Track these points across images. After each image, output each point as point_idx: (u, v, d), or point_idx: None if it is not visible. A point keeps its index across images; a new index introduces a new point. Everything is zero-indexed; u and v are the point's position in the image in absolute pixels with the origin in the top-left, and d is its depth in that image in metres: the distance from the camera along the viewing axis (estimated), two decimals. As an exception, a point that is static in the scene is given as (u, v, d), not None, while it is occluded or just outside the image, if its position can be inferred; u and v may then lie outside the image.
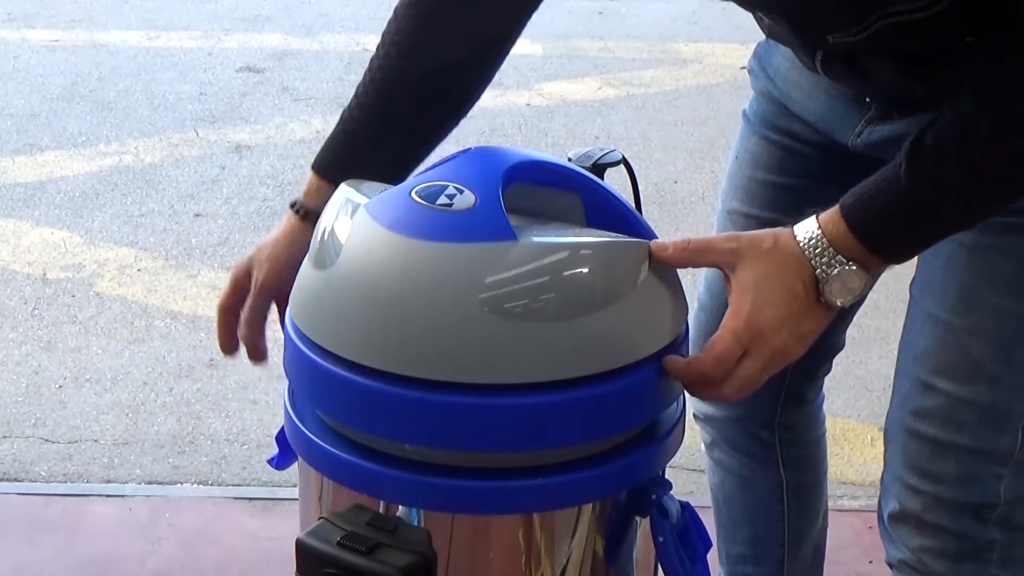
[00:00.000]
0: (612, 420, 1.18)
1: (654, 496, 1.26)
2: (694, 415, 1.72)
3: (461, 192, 1.16)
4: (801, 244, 1.16)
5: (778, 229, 1.18)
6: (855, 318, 1.60)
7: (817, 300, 1.16)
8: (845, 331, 1.66)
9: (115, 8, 6.01)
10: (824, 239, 1.15)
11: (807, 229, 1.16)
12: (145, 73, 5.09)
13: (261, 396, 2.84)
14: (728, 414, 1.68)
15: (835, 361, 1.74)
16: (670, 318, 1.21)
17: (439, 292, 1.11)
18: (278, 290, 1.37)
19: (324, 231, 1.20)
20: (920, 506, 1.37)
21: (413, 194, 1.16)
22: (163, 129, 4.51)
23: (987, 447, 1.33)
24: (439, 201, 1.15)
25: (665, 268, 1.20)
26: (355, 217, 1.17)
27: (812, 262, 1.15)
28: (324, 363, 1.17)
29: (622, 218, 1.25)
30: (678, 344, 1.23)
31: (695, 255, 1.18)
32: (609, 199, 1.24)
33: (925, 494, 1.36)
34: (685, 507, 1.29)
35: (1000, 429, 1.33)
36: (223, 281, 1.44)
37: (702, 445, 1.80)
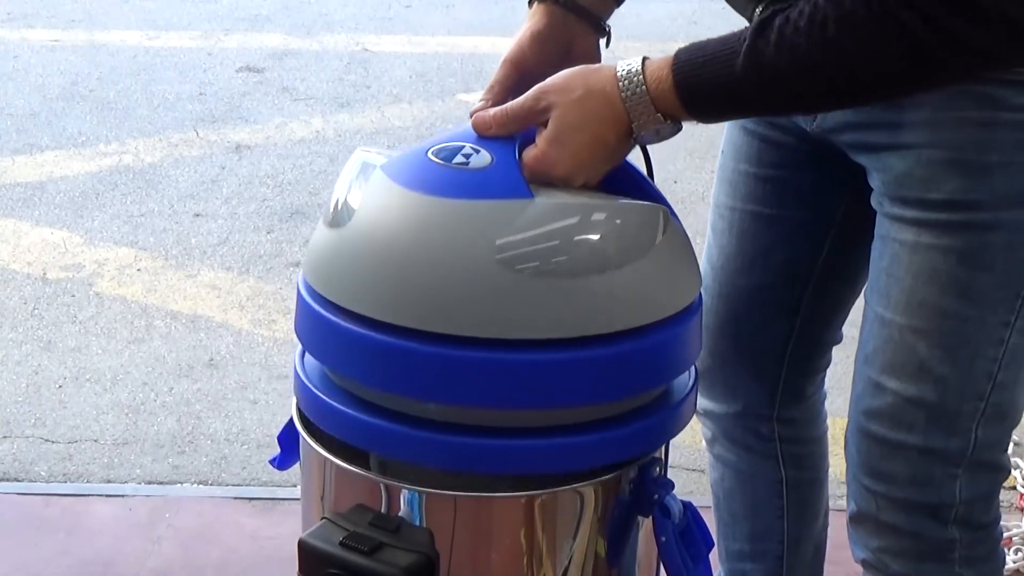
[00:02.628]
0: (624, 381, 1.18)
1: (656, 496, 1.27)
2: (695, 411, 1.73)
3: (477, 152, 1.17)
4: (623, 95, 1.17)
5: (589, 72, 1.20)
6: (855, 319, 1.60)
7: (624, 142, 1.19)
8: (841, 327, 1.66)
9: (115, 8, 6.01)
10: (647, 96, 1.17)
11: (630, 80, 1.17)
12: (145, 73, 5.09)
13: (261, 396, 2.84)
14: (727, 409, 1.69)
15: (835, 361, 1.74)
16: (684, 283, 1.22)
17: (454, 247, 1.12)
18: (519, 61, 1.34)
19: (339, 194, 1.21)
20: (875, 506, 1.38)
21: (429, 154, 1.18)
22: (163, 129, 4.51)
23: (938, 447, 1.33)
24: (455, 160, 1.17)
25: (679, 235, 1.21)
26: (371, 177, 1.18)
27: (630, 114, 1.17)
28: (339, 320, 1.16)
29: (635, 185, 1.26)
30: (692, 311, 1.23)
31: (514, 122, 1.21)
32: (623, 165, 1.26)
33: (877, 494, 1.37)
34: (687, 507, 1.30)
35: (950, 429, 1.33)
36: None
37: (703, 444, 1.80)
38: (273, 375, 2.90)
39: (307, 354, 1.28)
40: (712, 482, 1.79)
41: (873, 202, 1.36)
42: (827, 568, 1.86)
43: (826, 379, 1.78)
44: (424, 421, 1.17)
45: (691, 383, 1.29)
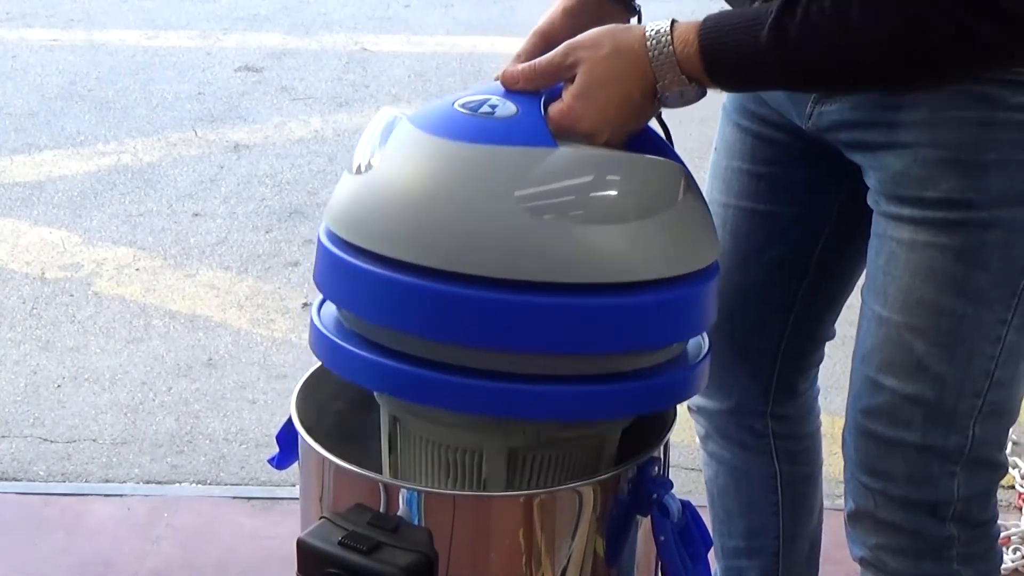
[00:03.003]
0: (641, 333, 1.19)
1: (655, 495, 1.27)
2: (688, 408, 1.73)
3: (503, 104, 1.20)
4: (650, 54, 1.19)
5: (618, 31, 1.23)
6: (850, 318, 1.61)
7: (649, 102, 1.21)
8: (834, 323, 1.66)
9: (113, 7, 6.00)
10: (673, 57, 1.19)
11: (658, 40, 1.20)
12: (143, 72, 5.09)
13: (260, 396, 2.83)
14: (721, 405, 1.69)
15: (833, 361, 1.74)
16: (704, 243, 1.24)
17: (477, 190, 1.14)
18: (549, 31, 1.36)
19: (364, 143, 1.23)
20: (873, 504, 1.38)
21: (455, 105, 1.20)
22: (161, 128, 4.51)
23: (936, 444, 1.34)
24: (481, 110, 1.19)
25: (700, 198, 1.25)
26: (397, 126, 1.21)
27: (656, 73, 1.19)
28: (360, 263, 1.18)
29: (657, 150, 1.28)
30: (711, 273, 1.25)
31: (542, 77, 1.23)
32: (646, 131, 1.28)
33: (876, 492, 1.38)
34: (686, 506, 1.30)
35: (949, 427, 1.33)
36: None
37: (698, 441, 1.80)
38: (272, 374, 2.90)
39: (322, 309, 1.28)
40: (706, 479, 1.79)
41: (869, 201, 1.36)
42: (825, 567, 1.86)
43: (823, 379, 1.78)
44: (440, 364, 1.17)
45: (705, 349, 1.31)
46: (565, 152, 1.16)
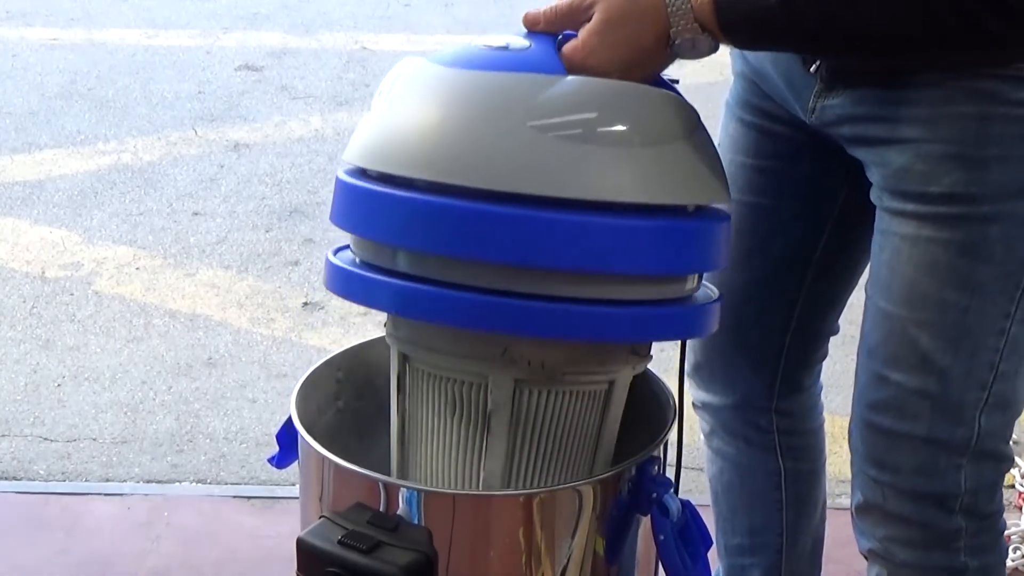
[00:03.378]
0: (638, 255, 1.21)
1: (655, 494, 1.27)
2: (692, 404, 1.73)
3: (519, 41, 1.26)
4: (667, 1, 1.22)
5: None
6: (851, 318, 1.61)
7: (661, 48, 1.24)
8: (838, 318, 1.67)
9: (113, 6, 6.00)
10: (688, 4, 1.22)
11: None
12: (143, 71, 5.09)
13: (260, 395, 2.84)
14: (725, 401, 1.69)
15: (833, 360, 1.75)
16: (710, 183, 1.26)
17: (487, 109, 1.19)
18: None
19: (384, 85, 1.28)
20: (881, 497, 1.39)
21: (471, 43, 1.26)
22: (161, 127, 4.51)
23: (943, 437, 1.35)
24: (496, 45, 1.25)
25: (711, 144, 1.28)
26: (414, 64, 1.26)
27: (670, 19, 1.22)
28: (374, 186, 1.23)
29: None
30: (723, 217, 1.29)
31: (562, 18, 1.27)
32: (659, 82, 1.31)
33: (884, 485, 1.39)
34: (686, 505, 1.30)
35: (955, 420, 1.34)
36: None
37: (702, 442, 1.80)
38: (272, 373, 2.90)
39: (337, 256, 1.31)
40: (710, 476, 1.79)
41: (872, 197, 1.36)
42: (828, 566, 1.86)
43: (825, 378, 1.78)
44: (449, 284, 1.20)
45: (716, 296, 1.34)
46: (574, 79, 1.21)
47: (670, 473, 1.37)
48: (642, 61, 1.25)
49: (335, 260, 1.30)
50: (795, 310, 1.60)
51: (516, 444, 1.29)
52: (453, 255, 1.19)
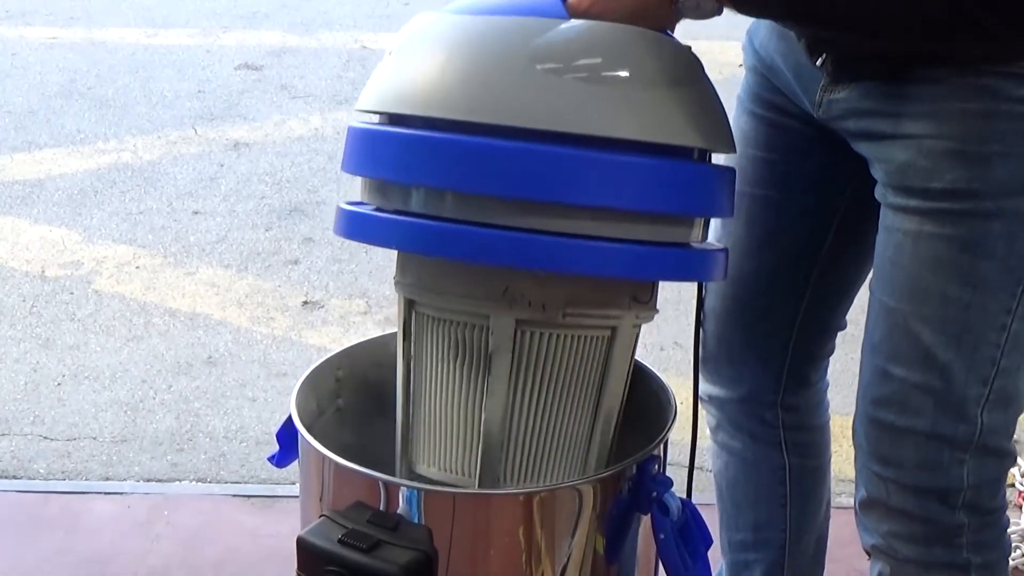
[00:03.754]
0: (651, 192, 1.23)
1: (655, 493, 1.27)
2: (700, 397, 1.73)
3: None
4: None
5: None
6: (854, 317, 1.61)
7: (665, 6, 1.27)
8: (846, 313, 1.67)
9: (113, 5, 6.00)
10: None
11: None
12: (143, 70, 5.09)
13: (260, 393, 2.83)
14: (732, 394, 1.69)
15: (834, 359, 1.74)
16: (714, 128, 1.28)
17: (491, 47, 1.22)
18: None
19: (396, 40, 1.30)
20: (884, 492, 1.39)
21: None
22: (161, 126, 4.51)
23: (945, 433, 1.35)
24: None
25: (717, 98, 1.29)
26: (426, 16, 1.30)
27: None
28: (383, 127, 1.26)
29: None
30: (727, 172, 1.30)
31: None
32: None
33: (887, 480, 1.39)
34: (686, 504, 1.30)
35: (958, 416, 1.35)
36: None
37: (704, 442, 1.80)
38: (272, 372, 2.90)
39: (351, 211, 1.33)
40: (715, 472, 1.79)
41: (877, 194, 1.37)
42: (829, 566, 1.86)
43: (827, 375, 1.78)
44: (451, 220, 1.22)
45: (720, 247, 1.35)
46: (577, 22, 1.23)
47: (671, 472, 1.37)
48: (644, 14, 1.27)
49: (346, 207, 1.32)
50: (803, 303, 1.61)
51: (516, 387, 1.29)
52: (461, 190, 1.21)
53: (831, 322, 1.66)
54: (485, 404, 1.28)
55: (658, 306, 1.37)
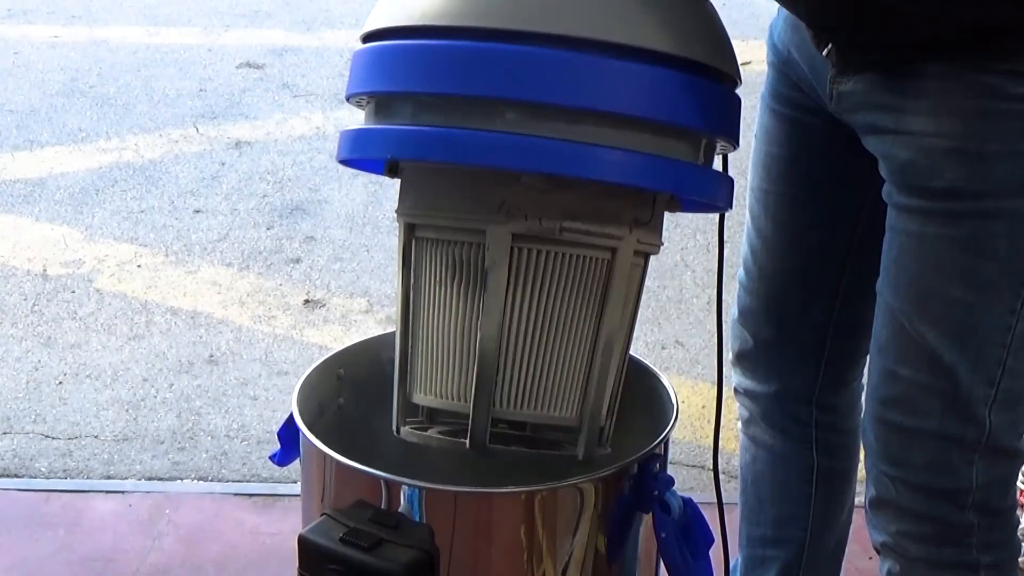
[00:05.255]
0: (648, 99, 1.22)
1: (657, 492, 1.27)
2: (734, 389, 1.74)
3: None
4: None
5: None
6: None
7: None
8: None
9: (115, 4, 6.01)
10: None
11: None
12: (145, 69, 5.09)
13: (261, 392, 2.84)
14: (767, 389, 1.70)
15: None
16: (717, 45, 1.27)
17: None
18: None
19: None
20: (894, 492, 1.39)
21: None
22: (163, 125, 4.51)
23: (954, 433, 1.35)
24: None
25: (719, 23, 1.28)
26: None
27: None
28: (386, 42, 1.25)
29: None
30: (726, 95, 1.28)
31: None
32: None
33: (896, 480, 1.39)
34: (687, 503, 1.30)
35: (965, 416, 1.35)
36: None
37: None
38: (273, 371, 2.90)
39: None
40: (742, 464, 1.79)
41: (883, 193, 1.37)
42: (830, 565, 1.86)
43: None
44: (448, 127, 1.21)
45: (728, 186, 1.33)
46: None
47: (672, 470, 1.37)
48: None
49: (349, 129, 1.32)
50: (836, 300, 1.61)
51: (512, 306, 1.26)
52: (460, 93, 1.20)
53: (868, 317, 1.65)
54: (480, 323, 1.26)
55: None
